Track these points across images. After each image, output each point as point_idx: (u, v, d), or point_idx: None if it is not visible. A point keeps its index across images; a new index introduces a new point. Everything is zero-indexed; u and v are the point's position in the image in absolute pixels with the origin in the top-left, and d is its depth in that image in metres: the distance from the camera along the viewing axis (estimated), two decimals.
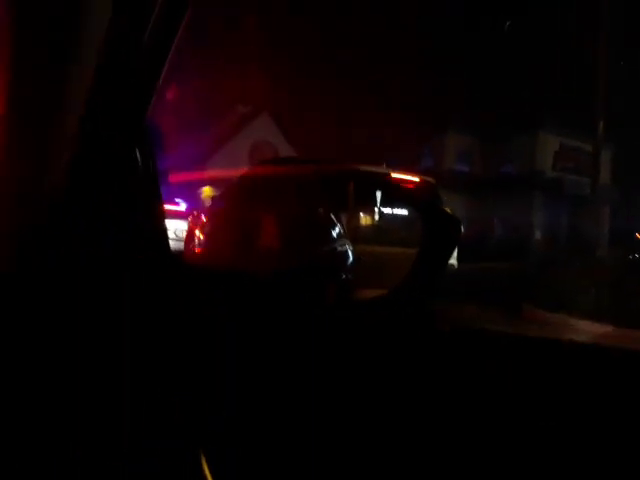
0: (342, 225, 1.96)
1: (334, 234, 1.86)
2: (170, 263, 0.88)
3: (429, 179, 3.31)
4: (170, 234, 0.87)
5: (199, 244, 1.60)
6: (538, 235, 20.23)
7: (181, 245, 2.63)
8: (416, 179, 3.02)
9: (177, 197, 10.24)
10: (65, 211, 0.75)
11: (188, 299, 0.84)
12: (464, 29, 20.49)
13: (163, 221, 0.83)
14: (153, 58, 0.80)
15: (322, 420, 0.82)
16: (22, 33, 0.73)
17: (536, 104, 20.93)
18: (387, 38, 19.84)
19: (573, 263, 7.97)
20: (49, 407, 0.70)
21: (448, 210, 1.07)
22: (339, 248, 1.89)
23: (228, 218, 1.64)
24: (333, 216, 1.88)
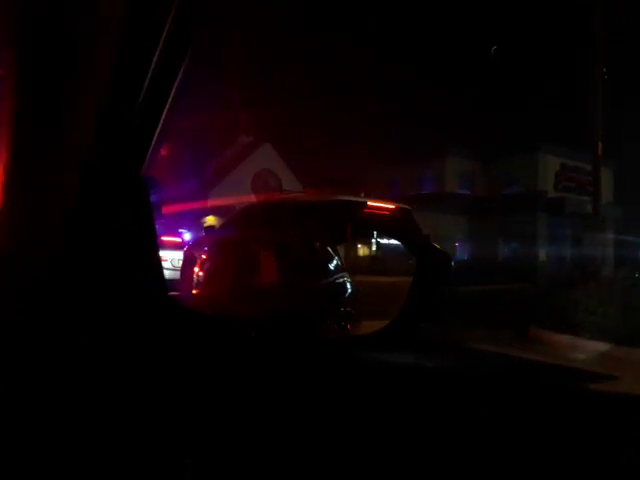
0: (339, 257, 1.99)
1: (332, 267, 1.89)
2: (168, 308, 0.91)
3: (405, 206, 3.34)
4: (167, 264, 0.90)
5: (197, 285, 1.63)
6: (542, 255, 20.16)
7: (177, 274, 2.70)
8: (392, 206, 3.04)
9: (181, 227, 10.30)
10: (64, 260, 0.78)
11: (184, 345, 0.86)
12: (465, 52, 20.80)
13: (161, 269, 0.86)
14: (151, 109, 0.83)
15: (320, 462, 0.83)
16: (22, 95, 0.77)
17: (536, 125, 21.10)
18: (387, 63, 20.14)
19: (578, 283, 7.92)
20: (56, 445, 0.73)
21: (437, 245, 1.09)
22: (338, 280, 1.92)
23: (226, 256, 1.67)
24: (330, 249, 1.91)
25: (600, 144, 10.15)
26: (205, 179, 20.04)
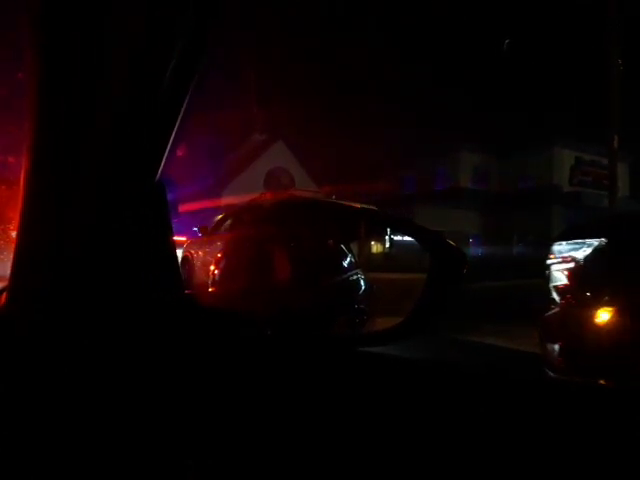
0: (353, 254, 2.00)
1: (345, 264, 1.90)
2: (185, 305, 0.93)
3: (370, 207, 3.30)
4: None
5: (212, 283, 1.66)
6: None
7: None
8: (357, 206, 3.00)
9: (194, 226, 10.37)
10: (84, 261, 0.80)
11: (200, 342, 0.88)
12: (480, 45, 20.62)
13: (178, 268, 0.89)
14: (168, 111, 0.84)
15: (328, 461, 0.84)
16: (42, 97, 0.79)
17: (551, 119, 20.86)
18: (400, 59, 20.04)
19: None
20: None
21: (451, 242, 1.10)
22: (351, 277, 1.93)
23: (240, 254, 1.69)
24: (344, 246, 1.92)
25: (616, 137, 10.01)
26: (218, 178, 20.13)
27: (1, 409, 0.75)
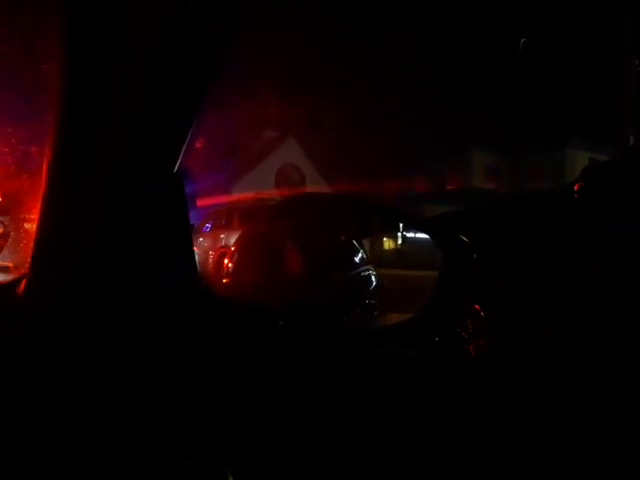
0: (365, 250, 2.01)
1: (357, 259, 1.91)
2: (202, 295, 0.95)
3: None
4: None
5: (227, 274, 1.68)
6: None
7: None
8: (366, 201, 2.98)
9: (207, 222, 10.41)
10: (106, 253, 0.82)
11: (215, 330, 0.89)
12: (492, 44, 20.49)
13: (195, 260, 0.90)
14: (186, 109, 0.85)
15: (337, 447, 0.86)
16: (66, 96, 0.81)
17: (565, 119, 20.69)
18: (415, 58, 19.98)
19: None
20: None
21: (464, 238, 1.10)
22: (362, 273, 1.94)
23: (253, 247, 1.71)
24: (355, 242, 1.93)
25: (631, 138, 9.92)
26: (229, 174, 20.18)
27: (20, 390, 0.77)
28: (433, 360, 1.06)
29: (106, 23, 0.77)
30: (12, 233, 1.42)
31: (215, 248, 8.30)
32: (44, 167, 0.83)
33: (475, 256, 1.07)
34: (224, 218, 9.54)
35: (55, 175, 0.83)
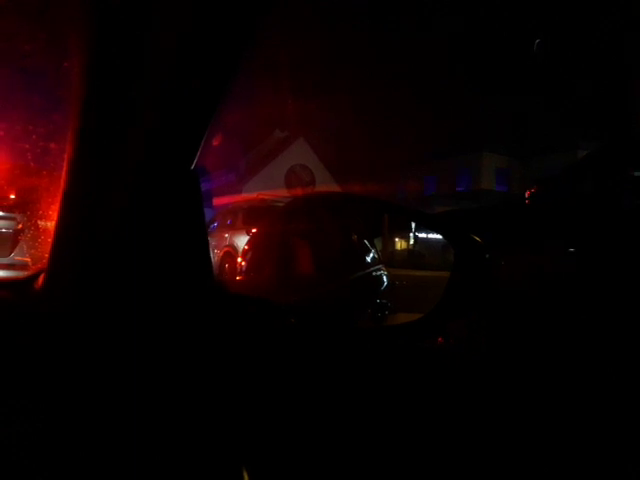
0: (376, 250, 2.01)
1: (368, 259, 1.92)
2: (214, 291, 0.96)
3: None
4: None
5: (240, 272, 1.69)
6: None
7: None
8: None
9: (213, 222, 10.50)
10: (121, 252, 0.82)
11: (229, 327, 0.90)
12: (503, 46, 20.38)
13: (209, 257, 0.91)
14: (204, 106, 0.86)
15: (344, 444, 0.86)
16: (86, 93, 0.81)
17: (575, 121, 20.54)
18: (426, 60, 19.92)
19: None
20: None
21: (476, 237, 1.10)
22: (374, 273, 1.94)
23: (266, 246, 1.72)
24: (367, 242, 1.93)
25: None
26: (240, 174, 20.24)
27: (39, 381, 0.78)
28: (441, 353, 1.06)
29: (126, 22, 0.78)
30: (29, 230, 1.44)
31: (220, 247, 8.39)
32: (64, 164, 0.84)
33: (487, 256, 1.07)
34: (229, 218, 9.63)
35: (74, 172, 0.84)
